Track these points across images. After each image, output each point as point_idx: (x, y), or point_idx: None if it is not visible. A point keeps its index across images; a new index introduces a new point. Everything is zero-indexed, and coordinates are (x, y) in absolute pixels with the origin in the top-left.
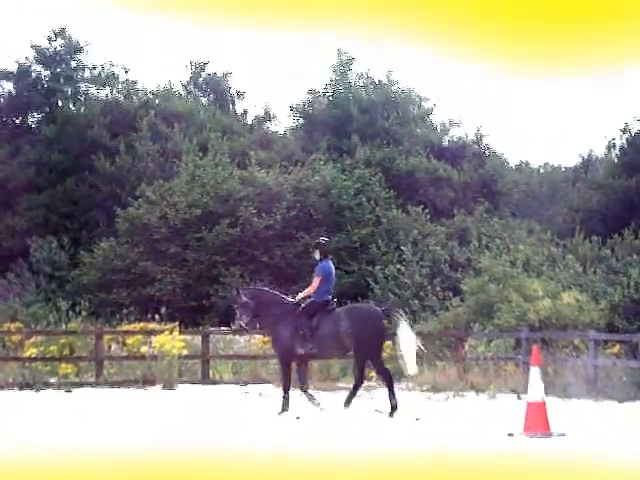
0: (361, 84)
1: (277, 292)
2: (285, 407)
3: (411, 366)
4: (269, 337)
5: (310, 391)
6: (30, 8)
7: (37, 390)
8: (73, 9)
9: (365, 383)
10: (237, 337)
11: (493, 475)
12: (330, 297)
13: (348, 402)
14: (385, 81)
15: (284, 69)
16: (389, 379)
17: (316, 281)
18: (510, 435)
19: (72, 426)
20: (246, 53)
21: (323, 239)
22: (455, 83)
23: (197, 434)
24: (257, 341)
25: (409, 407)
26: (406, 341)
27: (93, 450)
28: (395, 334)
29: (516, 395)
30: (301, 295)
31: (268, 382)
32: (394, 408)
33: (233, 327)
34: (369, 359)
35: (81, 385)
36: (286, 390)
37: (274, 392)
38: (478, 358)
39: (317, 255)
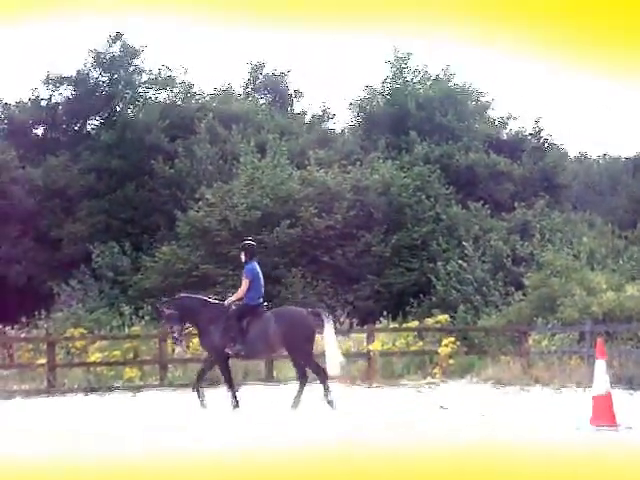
0: (418, 80)
1: (202, 296)
2: (234, 403)
3: (333, 367)
4: (199, 339)
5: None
6: (87, 13)
7: (102, 394)
8: (129, 13)
9: (428, 380)
10: None
11: (562, 468)
12: (261, 300)
13: (296, 402)
14: (442, 76)
15: (341, 67)
16: (323, 377)
17: (245, 284)
18: (577, 428)
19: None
20: (303, 52)
21: (249, 241)
22: (512, 76)
23: (267, 433)
24: (320, 340)
25: (474, 402)
26: (329, 343)
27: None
28: (321, 334)
29: (581, 388)
30: (231, 298)
31: (332, 380)
32: (331, 403)
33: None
34: (300, 360)
35: (145, 388)
36: (230, 386)
37: (338, 390)
38: (542, 352)
39: (243, 257)
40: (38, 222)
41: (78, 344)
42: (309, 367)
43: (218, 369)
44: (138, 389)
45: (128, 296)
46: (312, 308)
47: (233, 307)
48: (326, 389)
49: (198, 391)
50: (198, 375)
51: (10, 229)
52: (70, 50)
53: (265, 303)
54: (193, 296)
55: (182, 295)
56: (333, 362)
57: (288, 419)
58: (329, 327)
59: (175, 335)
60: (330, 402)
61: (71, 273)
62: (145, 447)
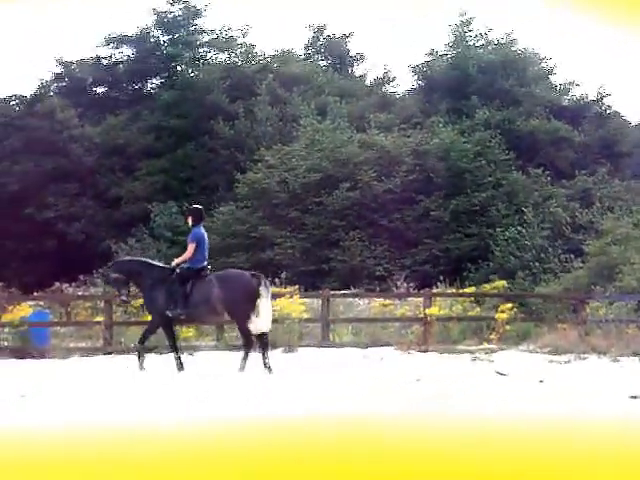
0: (480, 44)
1: (146, 259)
2: (141, 362)
3: (264, 324)
4: (143, 301)
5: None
6: None
7: (160, 353)
8: None
9: (484, 345)
10: (357, 300)
11: (617, 438)
12: (205, 264)
13: (242, 366)
14: (504, 41)
15: (403, 30)
16: (248, 345)
17: (190, 247)
18: (633, 397)
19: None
20: (365, 14)
21: (195, 206)
22: (575, 42)
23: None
24: (377, 304)
25: (530, 369)
26: (264, 305)
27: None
28: (260, 298)
29: (638, 357)
30: (176, 261)
31: (389, 345)
32: (269, 369)
33: (116, 301)
34: (240, 322)
35: (202, 348)
36: (175, 350)
37: (394, 355)
38: (600, 321)
39: (190, 221)
40: (97, 180)
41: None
42: (242, 330)
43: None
44: (195, 349)
45: None
46: (253, 273)
47: (177, 271)
48: (264, 355)
49: (139, 353)
50: (141, 338)
51: (69, 187)
52: (132, 10)
53: (209, 267)
54: (137, 259)
55: (127, 258)
56: (264, 321)
57: (339, 387)
58: (267, 292)
59: (122, 297)
60: (269, 367)
61: (129, 232)
62: (199, 408)
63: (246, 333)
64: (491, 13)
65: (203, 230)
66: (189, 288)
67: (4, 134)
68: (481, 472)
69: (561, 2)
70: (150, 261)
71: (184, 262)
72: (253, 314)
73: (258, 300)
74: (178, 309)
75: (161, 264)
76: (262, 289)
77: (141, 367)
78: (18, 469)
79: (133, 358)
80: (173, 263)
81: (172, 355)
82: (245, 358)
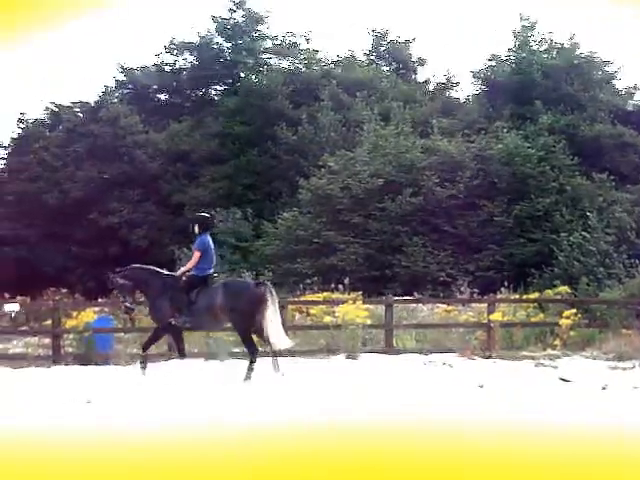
0: (544, 49)
1: (153, 267)
2: (143, 368)
3: (281, 341)
4: (148, 309)
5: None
6: None
7: (222, 360)
8: None
9: (548, 352)
10: (420, 306)
11: None
12: (211, 272)
13: (247, 376)
14: (567, 45)
15: (466, 35)
16: (253, 354)
17: (196, 255)
18: None
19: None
20: (427, 19)
21: (202, 214)
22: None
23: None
24: (440, 310)
25: (594, 375)
26: (271, 318)
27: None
28: (266, 309)
29: None
30: (182, 269)
31: (452, 351)
32: (249, 370)
33: (121, 309)
34: (241, 331)
35: (264, 355)
36: (144, 349)
37: (458, 361)
38: None
39: (196, 229)
40: (160, 186)
41: None
42: (244, 340)
43: (152, 334)
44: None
45: (249, 262)
46: (259, 282)
47: (183, 279)
48: (251, 363)
49: (143, 361)
50: (145, 345)
51: (132, 193)
52: (193, 17)
53: (215, 274)
54: (144, 267)
55: (134, 266)
56: (277, 337)
57: (408, 393)
58: (272, 301)
59: (126, 304)
60: (250, 369)
61: (192, 238)
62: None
63: (248, 342)
64: (554, 17)
65: (209, 238)
66: (194, 296)
67: (68, 140)
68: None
69: (625, 4)
70: (157, 269)
71: (188, 270)
72: (262, 325)
73: (265, 310)
74: (183, 317)
75: (167, 272)
76: (268, 299)
77: (143, 373)
78: (84, 472)
79: (196, 363)
80: (178, 272)
81: (229, 362)
82: (250, 368)
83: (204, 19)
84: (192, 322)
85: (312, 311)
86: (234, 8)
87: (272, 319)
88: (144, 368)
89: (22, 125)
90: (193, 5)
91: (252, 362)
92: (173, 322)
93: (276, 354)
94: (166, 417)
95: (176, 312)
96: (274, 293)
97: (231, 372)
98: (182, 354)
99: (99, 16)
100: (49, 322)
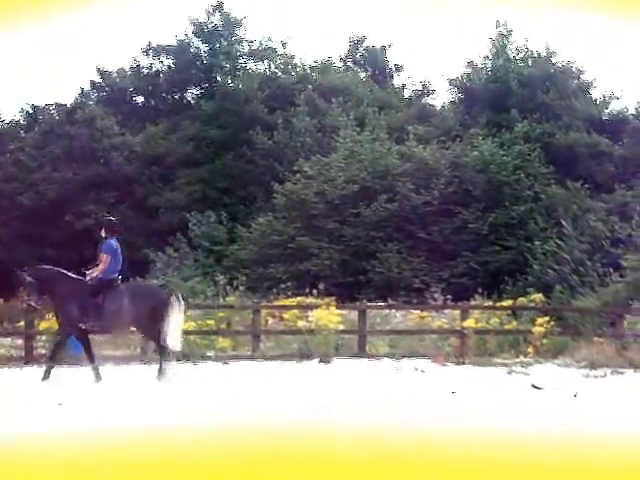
0: (520, 57)
1: (62, 270)
2: (46, 378)
3: (175, 341)
4: (55, 312)
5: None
6: None
7: (195, 363)
8: None
9: (521, 359)
10: (394, 312)
11: None
12: (116, 275)
13: (160, 374)
14: (544, 54)
15: (443, 42)
16: (164, 354)
17: (105, 260)
18: None
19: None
20: (404, 27)
21: (109, 217)
22: (614, 55)
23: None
24: (414, 316)
25: (566, 383)
26: (174, 321)
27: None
28: (169, 312)
29: None
30: (92, 274)
31: (425, 357)
32: (160, 372)
33: (23, 305)
34: (146, 336)
35: (238, 358)
36: (91, 361)
37: (431, 367)
38: (637, 335)
39: (103, 233)
40: (135, 189)
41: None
42: (154, 343)
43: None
44: (230, 358)
45: (223, 266)
46: (163, 285)
47: (89, 282)
48: (161, 365)
49: (49, 365)
50: (53, 350)
51: (108, 195)
52: (171, 20)
53: (119, 278)
54: (52, 268)
55: (42, 266)
56: (172, 338)
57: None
58: (178, 305)
59: (31, 302)
60: (161, 371)
61: (167, 241)
62: (233, 416)
63: (157, 344)
64: (530, 26)
65: (116, 242)
66: (101, 300)
67: (44, 141)
68: None
69: (600, 15)
70: (64, 272)
71: (99, 274)
72: (163, 328)
73: (169, 315)
74: (91, 321)
75: (74, 275)
76: (174, 304)
77: (46, 377)
78: (58, 473)
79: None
80: (87, 275)
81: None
82: (161, 368)
83: (182, 22)
84: (100, 325)
85: (285, 316)
86: (212, 11)
87: (174, 322)
88: (47, 378)
89: None
90: (171, 8)
91: (162, 362)
92: (82, 326)
93: (166, 359)
94: (136, 419)
95: (84, 316)
96: (180, 297)
97: (201, 374)
98: (92, 359)
99: (76, 18)
100: (22, 324)
